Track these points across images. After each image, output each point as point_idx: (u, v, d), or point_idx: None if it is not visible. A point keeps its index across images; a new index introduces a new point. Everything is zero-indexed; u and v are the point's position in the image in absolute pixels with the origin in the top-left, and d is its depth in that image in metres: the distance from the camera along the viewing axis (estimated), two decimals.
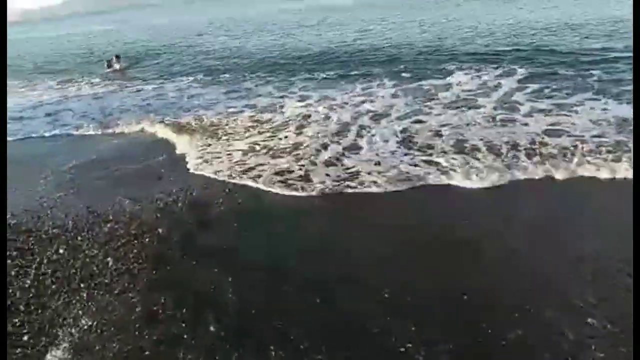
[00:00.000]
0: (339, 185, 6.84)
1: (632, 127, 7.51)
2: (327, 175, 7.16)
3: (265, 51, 21.37)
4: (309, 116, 10.22)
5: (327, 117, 9.98)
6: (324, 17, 36.72)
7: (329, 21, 32.96)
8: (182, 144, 9.35)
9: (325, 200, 6.52)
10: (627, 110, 8.38)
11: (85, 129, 11.29)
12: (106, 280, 4.99)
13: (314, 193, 6.68)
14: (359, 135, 8.77)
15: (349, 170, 7.27)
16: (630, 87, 9.64)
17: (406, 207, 6.18)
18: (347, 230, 5.74)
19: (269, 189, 6.97)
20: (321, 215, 6.16)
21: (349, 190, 6.69)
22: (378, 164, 7.37)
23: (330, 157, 7.84)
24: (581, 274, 4.46)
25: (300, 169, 7.44)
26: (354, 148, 8.18)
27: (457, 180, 6.63)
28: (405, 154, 7.64)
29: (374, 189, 6.64)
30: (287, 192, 6.82)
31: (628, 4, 19.70)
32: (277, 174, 7.40)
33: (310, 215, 6.16)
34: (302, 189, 6.83)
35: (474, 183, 6.50)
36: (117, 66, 20.38)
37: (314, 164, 7.62)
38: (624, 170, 6.29)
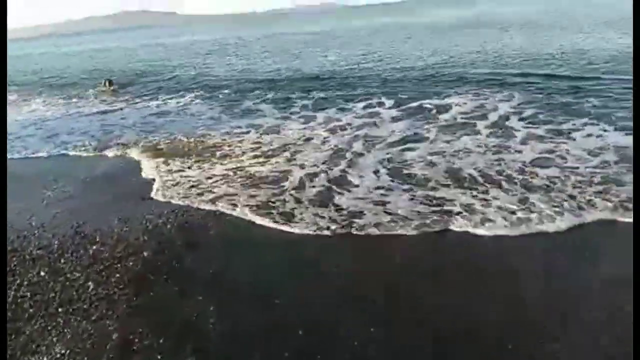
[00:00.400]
0: (319, 221, 6.37)
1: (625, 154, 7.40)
2: (316, 215, 6.56)
3: (272, 72, 21.68)
4: (309, 139, 10.15)
5: (324, 142, 9.86)
6: (333, 40, 37.26)
7: (337, 43, 33.42)
8: (170, 167, 9.17)
9: (311, 237, 6.07)
10: (623, 138, 8.31)
11: (81, 149, 11.19)
12: (85, 306, 4.87)
13: (297, 230, 6.22)
14: (349, 165, 8.32)
15: (340, 211, 6.63)
16: (628, 112, 9.59)
17: (398, 250, 5.64)
18: (337, 266, 5.44)
19: (253, 219, 6.64)
20: (309, 252, 5.79)
21: (323, 232, 6.13)
22: (383, 204, 6.69)
23: (316, 193, 7.31)
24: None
25: (283, 204, 6.98)
26: (344, 182, 7.64)
27: (458, 225, 5.94)
28: (404, 191, 7.08)
29: (356, 231, 6.07)
30: (272, 225, 6.43)
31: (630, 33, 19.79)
32: (258, 207, 6.96)
33: (297, 251, 5.82)
34: (287, 224, 6.38)
35: (476, 229, 5.82)
36: (110, 88, 21.09)
37: (299, 200, 7.08)
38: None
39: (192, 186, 8.01)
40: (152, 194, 7.83)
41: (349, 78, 17.77)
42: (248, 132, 11.32)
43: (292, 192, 7.43)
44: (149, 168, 9.23)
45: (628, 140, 8.07)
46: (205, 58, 32.06)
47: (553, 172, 7.17)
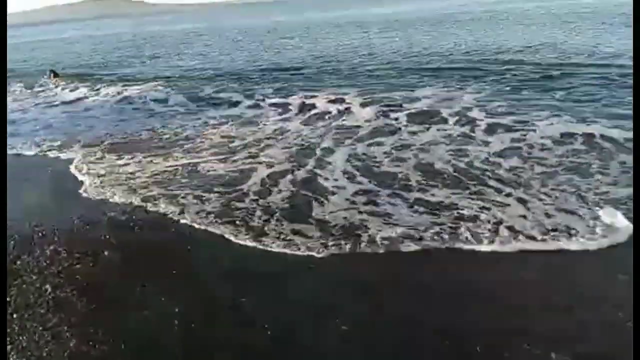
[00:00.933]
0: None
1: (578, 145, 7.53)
2: (294, 231, 5.69)
3: (241, 62, 21.32)
4: (276, 132, 9.94)
5: (289, 136, 9.58)
6: (310, 30, 36.95)
7: (312, 35, 33.10)
8: (118, 163, 8.71)
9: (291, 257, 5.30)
10: (591, 128, 8.38)
11: (42, 146, 10.38)
12: (41, 311, 4.64)
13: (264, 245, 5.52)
14: (320, 165, 7.75)
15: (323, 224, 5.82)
16: (596, 106, 9.75)
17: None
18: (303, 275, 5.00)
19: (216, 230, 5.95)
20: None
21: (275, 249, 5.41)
22: (376, 214, 5.89)
23: (281, 199, 6.60)
24: None
25: (251, 217, 6.16)
26: (317, 187, 6.93)
27: (444, 241, 5.24)
28: (390, 196, 6.41)
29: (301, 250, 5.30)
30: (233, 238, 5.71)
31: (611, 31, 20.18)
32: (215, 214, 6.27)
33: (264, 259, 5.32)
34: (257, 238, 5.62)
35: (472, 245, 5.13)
36: (54, 80, 20.29)
37: (267, 210, 6.28)
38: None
39: (143, 185, 7.51)
40: (94, 194, 7.39)
41: (322, 69, 17.60)
42: (209, 123, 11.16)
43: (257, 197, 6.74)
44: (97, 166, 8.68)
45: (592, 129, 8.26)
46: (173, 49, 31.33)
47: (518, 162, 7.23)
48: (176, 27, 63.38)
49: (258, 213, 6.25)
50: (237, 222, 6.04)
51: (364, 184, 6.96)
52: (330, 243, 5.37)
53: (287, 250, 5.34)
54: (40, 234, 6.17)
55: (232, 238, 5.72)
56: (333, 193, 6.72)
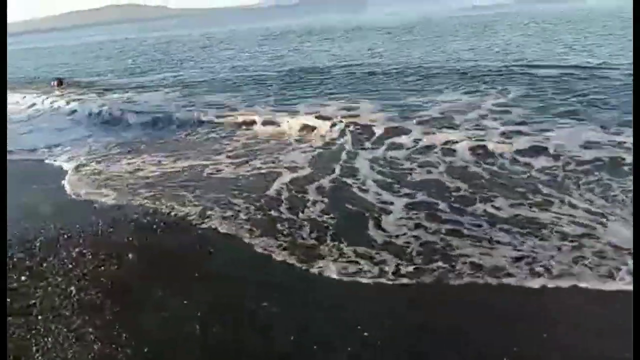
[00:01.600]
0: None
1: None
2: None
3: (265, 67, 21.21)
4: (298, 138, 9.90)
5: (314, 142, 9.51)
6: (326, 34, 36.85)
7: (333, 38, 32.92)
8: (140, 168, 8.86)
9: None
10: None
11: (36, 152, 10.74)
12: (67, 313, 4.69)
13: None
14: (345, 173, 7.44)
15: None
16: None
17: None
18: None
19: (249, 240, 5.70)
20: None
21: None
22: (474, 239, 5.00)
23: (321, 212, 6.13)
24: None
25: (298, 232, 5.71)
26: (350, 199, 6.49)
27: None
28: (454, 210, 5.76)
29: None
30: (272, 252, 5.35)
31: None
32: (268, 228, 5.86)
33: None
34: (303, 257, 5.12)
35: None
36: (58, 88, 20.14)
37: (315, 226, 5.76)
38: None
39: (161, 188, 7.68)
40: (93, 197, 7.65)
41: (339, 75, 17.27)
42: (225, 127, 11.35)
43: (289, 205, 6.49)
44: (94, 171, 8.97)
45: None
46: (200, 52, 31.68)
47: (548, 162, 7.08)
48: (183, 31, 63.88)
49: (306, 229, 5.71)
50: (280, 238, 5.60)
51: (411, 196, 6.34)
52: (407, 269, 4.66)
53: (350, 278, 4.74)
54: (65, 238, 6.26)
55: (283, 258, 5.26)
56: (382, 209, 6.01)
